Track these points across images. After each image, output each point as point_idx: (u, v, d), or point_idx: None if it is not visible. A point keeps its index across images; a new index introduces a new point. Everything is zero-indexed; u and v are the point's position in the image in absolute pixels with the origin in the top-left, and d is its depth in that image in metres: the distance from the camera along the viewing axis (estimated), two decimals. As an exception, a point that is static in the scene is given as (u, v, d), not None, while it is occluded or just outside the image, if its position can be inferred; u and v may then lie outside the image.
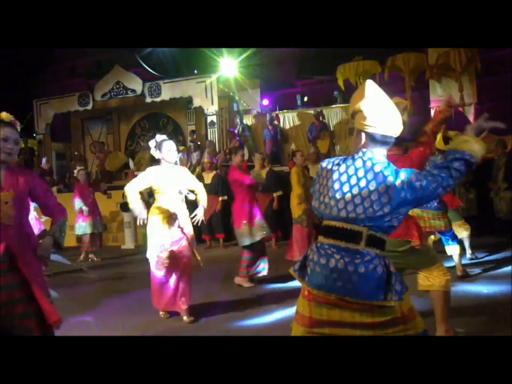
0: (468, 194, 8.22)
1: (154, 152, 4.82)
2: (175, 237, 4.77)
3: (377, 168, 2.16)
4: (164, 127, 14.46)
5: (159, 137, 4.87)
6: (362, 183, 2.16)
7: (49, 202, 2.95)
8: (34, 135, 15.18)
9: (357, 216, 2.14)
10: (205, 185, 5.83)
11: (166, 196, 4.76)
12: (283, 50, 12.33)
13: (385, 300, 2.10)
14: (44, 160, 14.01)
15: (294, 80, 15.34)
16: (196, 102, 13.10)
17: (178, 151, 5.08)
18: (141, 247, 10.28)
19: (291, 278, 2.90)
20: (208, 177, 9.69)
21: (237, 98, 13.93)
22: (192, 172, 4.36)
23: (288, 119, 13.87)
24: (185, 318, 4.77)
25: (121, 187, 11.71)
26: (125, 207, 10.29)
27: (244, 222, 6.03)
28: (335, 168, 2.26)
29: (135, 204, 4.68)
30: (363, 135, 2.23)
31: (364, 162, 2.20)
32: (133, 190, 4.73)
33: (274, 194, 9.23)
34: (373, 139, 2.21)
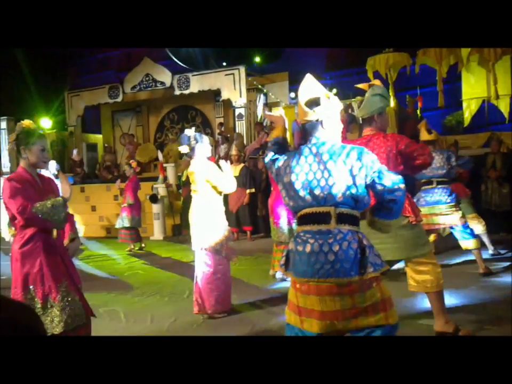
0: (501, 189, 8.03)
1: (195, 145, 4.77)
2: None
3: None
4: (192, 120, 14.57)
5: (188, 131, 4.88)
6: (322, 167, 2.28)
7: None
8: (65, 127, 15.47)
9: (323, 198, 2.24)
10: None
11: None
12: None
13: (364, 273, 2.17)
14: (74, 151, 14.29)
15: (322, 72, 15.23)
16: (224, 95, 13.15)
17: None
18: (168, 238, 10.44)
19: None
20: (236, 169, 9.72)
21: (265, 91, 13.91)
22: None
23: (316, 112, 13.76)
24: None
25: (151, 179, 11.95)
26: (154, 198, 10.44)
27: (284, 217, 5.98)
28: (292, 163, 2.34)
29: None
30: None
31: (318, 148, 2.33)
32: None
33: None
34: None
